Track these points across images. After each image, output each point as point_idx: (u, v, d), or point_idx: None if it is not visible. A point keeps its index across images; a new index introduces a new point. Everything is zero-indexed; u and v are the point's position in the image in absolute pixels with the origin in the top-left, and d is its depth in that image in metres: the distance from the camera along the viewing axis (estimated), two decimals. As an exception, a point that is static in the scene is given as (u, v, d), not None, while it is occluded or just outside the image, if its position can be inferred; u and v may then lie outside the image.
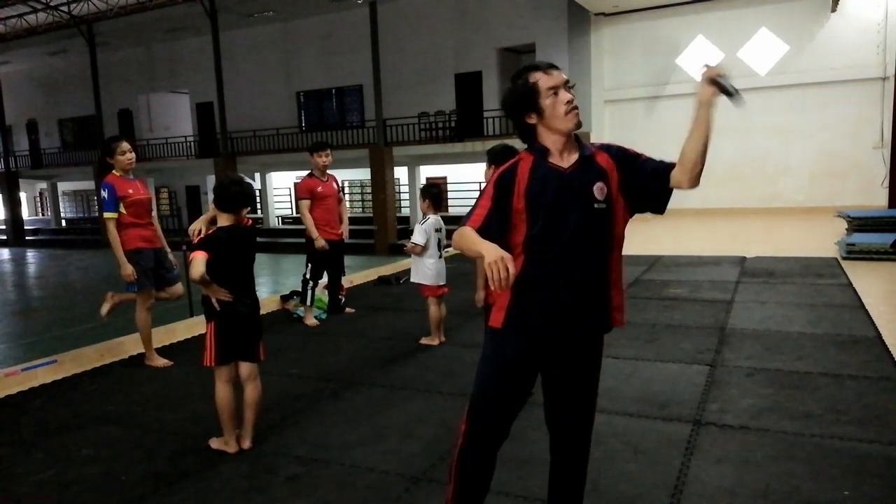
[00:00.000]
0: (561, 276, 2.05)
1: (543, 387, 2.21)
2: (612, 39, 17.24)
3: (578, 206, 2.03)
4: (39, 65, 28.67)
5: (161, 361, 4.98)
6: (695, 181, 2.05)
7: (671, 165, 2.08)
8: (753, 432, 3.30)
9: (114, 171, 4.76)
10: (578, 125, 2.07)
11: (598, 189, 2.04)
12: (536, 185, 2.04)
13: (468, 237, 2.01)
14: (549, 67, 2.07)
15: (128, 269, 4.72)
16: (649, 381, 4.14)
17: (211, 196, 3.45)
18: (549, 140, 2.08)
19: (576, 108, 2.05)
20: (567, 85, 2.06)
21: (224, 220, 3.29)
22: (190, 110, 26.40)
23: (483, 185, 2.31)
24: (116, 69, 26.26)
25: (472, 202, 2.20)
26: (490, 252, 1.88)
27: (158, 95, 27.16)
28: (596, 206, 2.03)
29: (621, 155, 2.11)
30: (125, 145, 4.76)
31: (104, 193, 4.68)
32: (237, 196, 3.29)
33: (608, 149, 2.13)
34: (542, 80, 2.04)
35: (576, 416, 2.17)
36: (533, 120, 2.07)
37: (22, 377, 4.62)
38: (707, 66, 2.02)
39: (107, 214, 4.69)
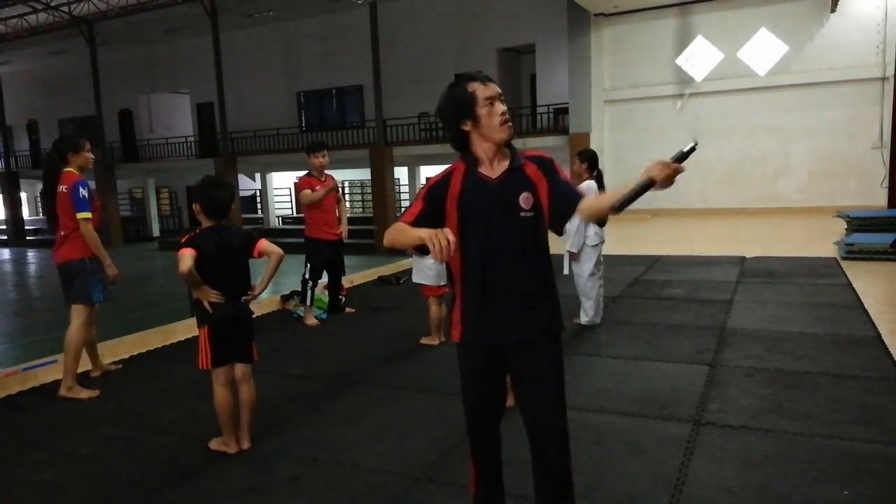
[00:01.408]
0: (494, 283, 2.15)
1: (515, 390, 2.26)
2: (612, 39, 17.23)
3: (504, 216, 2.12)
4: (39, 65, 28.65)
5: (86, 393, 4.35)
6: (592, 221, 2.16)
7: (579, 199, 2.14)
8: (753, 432, 3.30)
9: (72, 170, 4.36)
10: (511, 137, 2.15)
11: (524, 199, 2.13)
12: (467, 195, 2.15)
13: (402, 229, 2.13)
14: (486, 79, 2.16)
15: (115, 270, 4.42)
16: (649, 381, 4.14)
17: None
18: (481, 148, 2.16)
19: (509, 119, 2.14)
20: (501, 98, 2.15)
21: (210, 222, 3.26)
22: (190, 110, 26.39)
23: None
24: (116, 69, 26.23)
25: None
26: (427, 231, 1.97)
27: (158, 95, 27.14)
28: (522, 214, 2.13)
29: (549, 169, 2.18)
30: (89, 144, 4.51)
31: (83, 192, 4.27)
32: (227, 202, 3.29)
33: (539, 161, 2.20)
34: (480, 89, 2.13)
35: (541, 417, 2.19)
36: (468, 127, 2.14)
37: (22, 377, 4.63)
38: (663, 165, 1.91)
39: (86, 214, 4.27)
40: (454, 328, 2.26)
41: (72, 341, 4.31)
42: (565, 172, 2.23)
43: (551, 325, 2.19)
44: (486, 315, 2.18)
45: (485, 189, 2.14)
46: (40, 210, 36.44)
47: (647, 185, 1.92)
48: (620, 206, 1.98)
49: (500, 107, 2.12)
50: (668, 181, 1.89)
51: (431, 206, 2.19)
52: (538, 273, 2.18)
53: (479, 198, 2.14)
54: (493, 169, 2.16)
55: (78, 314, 4.35)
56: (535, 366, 2.18)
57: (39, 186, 34.91)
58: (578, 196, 2.15)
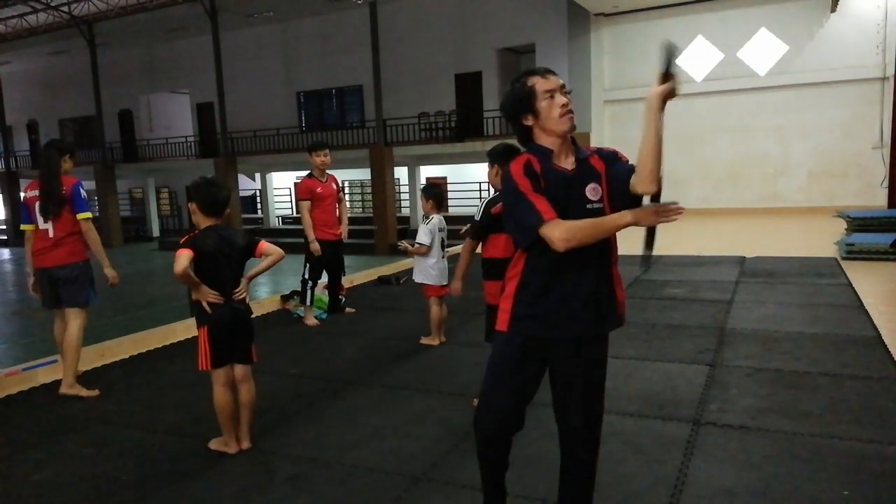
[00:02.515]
0: (562, 276, 2.12)
1: (551, 385, 2.26)
2: (612, 39, 17.24)
3: (575, 208, 2.09)
4: (39, 65, 28.66)
5: (86, 391, 4.35)
6: (652, 185, 1.99)
7: (631, 171, 2.07)
8: (753, 432, 3.30)
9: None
10: (573, 128, 2.13)
11: (591, 189, 2.11)
12: (545, 185, 2.11)
13: (584, 225, 2.00)
14: (546, 72, 2.14)
15: (114, 273, 4.40)
16: (649, 381, 4.14)
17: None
18: (547, 142, 2.15)
19: (570, 111, 2.12)
20: (563, 89, 2.13)
21: (207, 223, 3.27)
22: (190, 110, 26.40)
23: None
24: (116, 69, 26.24)
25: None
26: (633, 213, 1.97)
27: (158, 95, 27.15)
28: (589, 206, 2.10)
29: (610, 158, 2.18)
30: None
31: (82, 192, 4.35)
32: (224, 201, 3.29)
33: (600, 152, 2.20)
34: (539, 83, 2.12)
35: (583, 415, 2.23)
36: (529, 122, 2.14)
37: (22, 377, 4.62)
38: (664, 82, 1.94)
39: (88, 214, 4.36)
40: (504, 314, 2.19)
41: (73, 341, 4.31)
42: (627, 158, 2.19)
43: (609, 321, 2.18)
44: (547, 309, 2.13)
45: (561, 180, 2.12)
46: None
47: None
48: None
49: (561, 98, 2.10)
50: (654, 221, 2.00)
51: (539, 192, 2.08)
52: (604, 268, 2.15)
53: (556, 188, 2.10)
54: (565, 162, 2.15)
55: (76, 315, 4.34)
56: (584, 363, 2.19)
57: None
58: (631, 168, 2.07)
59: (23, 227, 4.45)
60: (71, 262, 4.30)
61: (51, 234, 4.27)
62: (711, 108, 16.21)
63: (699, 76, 16.37)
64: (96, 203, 25.63)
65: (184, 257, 3.09)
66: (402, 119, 19.95)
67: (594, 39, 17.04)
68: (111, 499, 2.94)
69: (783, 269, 7.71)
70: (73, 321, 4.34)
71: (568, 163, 2.15)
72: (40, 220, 4.30)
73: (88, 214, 4.35)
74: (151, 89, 26.85)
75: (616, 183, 2.10)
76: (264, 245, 3.36)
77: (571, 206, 2.09)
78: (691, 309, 6.00)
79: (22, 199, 4.51)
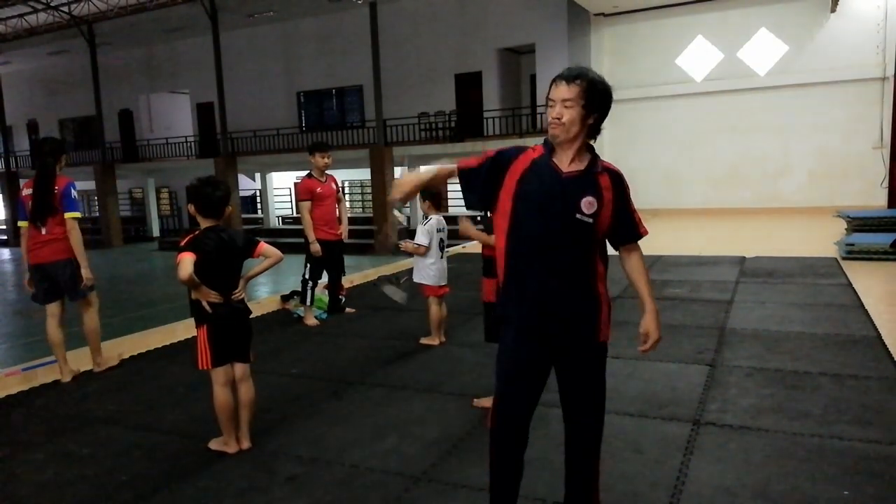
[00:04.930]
0: (539, 273, 2.15)
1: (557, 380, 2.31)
2: (612, 39, 17.24)
3: (562, 212, 2.12)
4: (39, 65, 28.64)
5: (115, 360, 4.94)
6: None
7: (630, 239, 2.29)
8: (753, 432, 3.30)
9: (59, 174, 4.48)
10: (554, 138, 2.15)
11: (587, 203, 2.13)
12: (531, 176, 2.16)
13: (444, 171, 2.33)
14: (561, 79, 2.15)
15: (90, 275, 4.54)
16: (649, 381, 4.14)
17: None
18: (555, 141, 2.18)
19: (558, 123, 2.12)
20: (565, 102, 2.11)
21: (207, 223, 3.26)
22: (190, 110, 26.38)
23: None
24: (116, 69, 26.24)
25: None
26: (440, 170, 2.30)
27: (158, 95, 27.14)
28: (578, 216, 2.12)
29: (620, 186, 2.20)
30: None
31: (74, 192, 4.46)
32: (221, 201, 3.27)
33: (613, 174, 2.20)
34: (551, 89, 2.17)
35: (578, 415, 2.28)
36: None
37: (22, 377, 4.63)
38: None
39: (76, 214, 4.45)
40: (492, 294, 2.35)
41: (93, 326, 4.69)
42: (631, 200, 2.25)
43: (593, 331, 2.21)
44: (529, 300, 2.18)
45: (550, 177, 2.15)
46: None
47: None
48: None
49: (553, 111, 2.13)
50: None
51: (492, 167, 2.22)
52: (586, 278, 2.18)
53: (542, 183, 2.15)
54: (566, 164, 2.16)
55: (86, 305, 4.64)
56: (575, 366, 2.22)
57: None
58: (636, 236, 2.27)
59: (19, 223, 4.57)
60: (63, 259, 4.44)
61: (43, 232, 4.42)
62: (711, 108, 16.22)
63: (699, 76, 16.37)
64: (96, 203, 25.62)
65: (188, 262, 3.08)
66: (402, 119, 19.94)
67: (594, 39, 17.05)
68: (111, 498, 2.94)
69: (783, 269, 7.71)
70: (86, 312, 4.67)
71: (570, 166, 2.16)
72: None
73: (76, 214, 4.44)
74: (151, 89, 26.84)
75: (620, 231, 2.24)
76: (263, 246, 3.37)
77: (560, 210, 2.12)
78: (691, 309, 6.00)
79: (20, 196, 4.61)
